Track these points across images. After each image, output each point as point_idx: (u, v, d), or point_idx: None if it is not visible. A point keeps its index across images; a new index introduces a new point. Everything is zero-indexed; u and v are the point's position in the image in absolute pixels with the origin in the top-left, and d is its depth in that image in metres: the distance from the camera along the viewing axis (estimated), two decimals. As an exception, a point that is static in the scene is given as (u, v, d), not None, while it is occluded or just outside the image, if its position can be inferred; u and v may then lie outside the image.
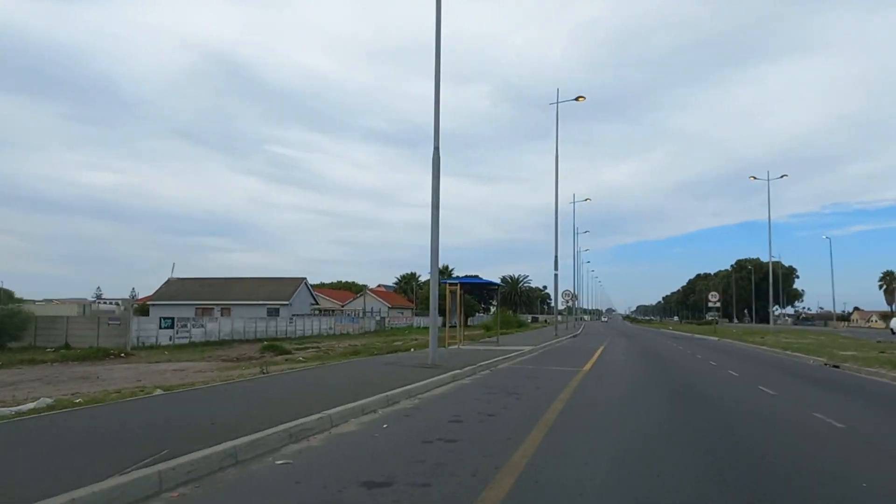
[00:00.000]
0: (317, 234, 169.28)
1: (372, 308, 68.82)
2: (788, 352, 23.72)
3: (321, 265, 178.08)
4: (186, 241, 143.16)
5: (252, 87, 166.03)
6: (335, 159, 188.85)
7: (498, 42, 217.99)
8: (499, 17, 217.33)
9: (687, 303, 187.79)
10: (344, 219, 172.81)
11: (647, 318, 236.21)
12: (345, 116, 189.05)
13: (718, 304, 49.33)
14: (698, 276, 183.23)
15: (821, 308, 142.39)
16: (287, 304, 55.98)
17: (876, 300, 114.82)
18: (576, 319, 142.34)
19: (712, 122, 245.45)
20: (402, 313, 74.17)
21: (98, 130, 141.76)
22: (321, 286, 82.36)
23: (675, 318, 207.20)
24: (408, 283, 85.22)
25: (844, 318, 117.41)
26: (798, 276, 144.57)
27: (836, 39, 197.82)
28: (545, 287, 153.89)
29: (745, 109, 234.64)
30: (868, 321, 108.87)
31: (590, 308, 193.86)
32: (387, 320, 62.20)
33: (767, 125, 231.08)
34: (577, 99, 38.97)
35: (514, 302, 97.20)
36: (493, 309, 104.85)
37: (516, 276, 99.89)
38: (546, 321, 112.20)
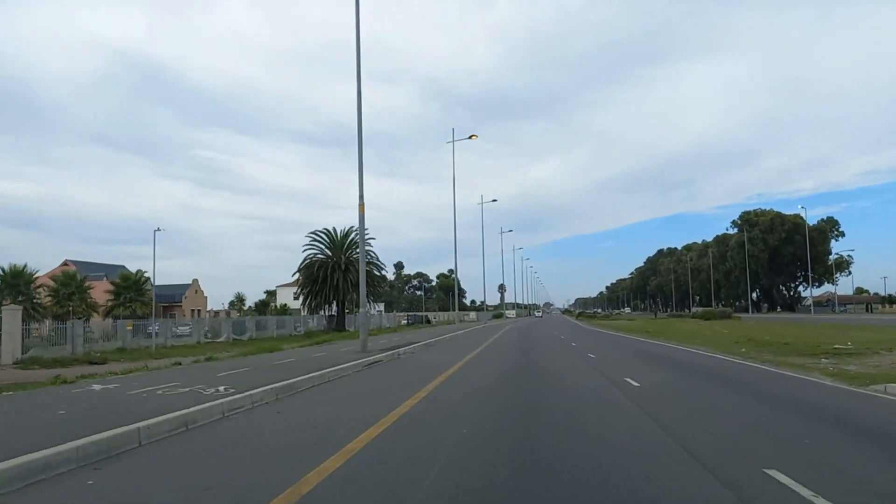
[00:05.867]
0: (248, 238, 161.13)
1: None
2: None
3: (255, 271, 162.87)
4: (112, 251, 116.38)
5: (172, 91, 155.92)
6: (263, 163, 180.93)
7: (424, 42, 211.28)
8: (423, 17, 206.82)
9: (646, 289, 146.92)
10: (275, 222, 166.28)
11: (592, 311, 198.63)
12: (270, 119, 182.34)
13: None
14: (660, 252, 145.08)
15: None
16: None
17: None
18: (494, 316, 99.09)
19: (633, 120, 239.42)
20: None
21: (11, 138, 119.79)
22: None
23: (627, 309, 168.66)
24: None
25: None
26: (843, 234, 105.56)
27: (745, 39, 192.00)
28: (451, 272, 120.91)
29: (663, 107, 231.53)
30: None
31: (526, 303, 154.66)
32: None
33: (686, 122, 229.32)
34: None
35: (337, 287, 49.12)
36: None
37: (337, 230, 49.68)
38: (429, 321, 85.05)
